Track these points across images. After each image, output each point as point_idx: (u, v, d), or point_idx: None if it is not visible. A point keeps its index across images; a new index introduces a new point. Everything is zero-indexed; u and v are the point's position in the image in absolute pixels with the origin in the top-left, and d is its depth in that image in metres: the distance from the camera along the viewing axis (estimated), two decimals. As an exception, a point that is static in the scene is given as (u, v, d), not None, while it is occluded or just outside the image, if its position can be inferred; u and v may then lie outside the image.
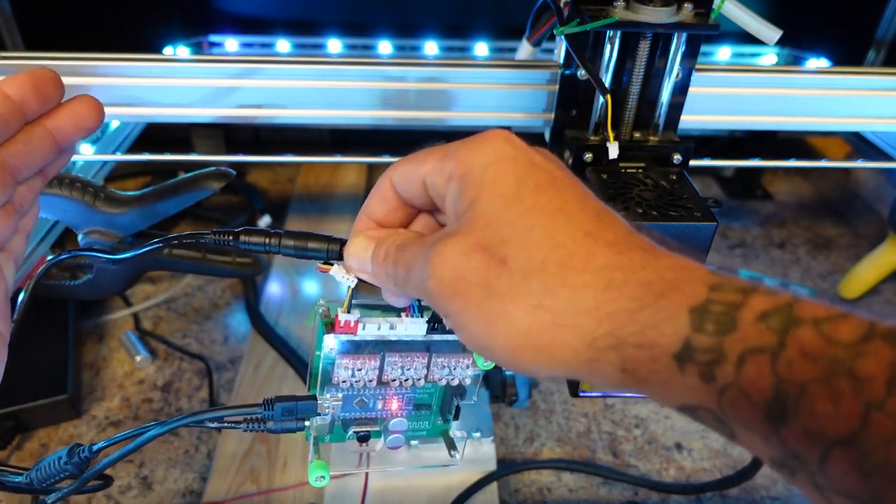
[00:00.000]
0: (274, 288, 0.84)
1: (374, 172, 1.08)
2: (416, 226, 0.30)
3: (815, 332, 0.20)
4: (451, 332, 0.31)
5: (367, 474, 0.35)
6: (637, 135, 0.57)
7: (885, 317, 0.20)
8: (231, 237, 0.31)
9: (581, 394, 0.53)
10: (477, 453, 0.63)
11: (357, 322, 0.30)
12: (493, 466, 0.62)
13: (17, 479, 0.33)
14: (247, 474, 0.61)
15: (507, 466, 0.64)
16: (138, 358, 0.73)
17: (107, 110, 0.69)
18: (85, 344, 0.76)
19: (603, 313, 0.22)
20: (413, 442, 0.36)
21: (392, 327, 0.31)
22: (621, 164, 0.53)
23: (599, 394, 0.62)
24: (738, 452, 0.67)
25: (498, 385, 0.68)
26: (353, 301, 0.30)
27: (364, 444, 0.34)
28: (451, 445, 0.36)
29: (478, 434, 0.64)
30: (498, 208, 0.24)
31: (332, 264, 0.30)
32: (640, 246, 0.24)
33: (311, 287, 0.85)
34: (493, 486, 0.61)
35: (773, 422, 0.20)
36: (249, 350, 0.75)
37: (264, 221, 0.94)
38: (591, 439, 0.68)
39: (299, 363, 0.72)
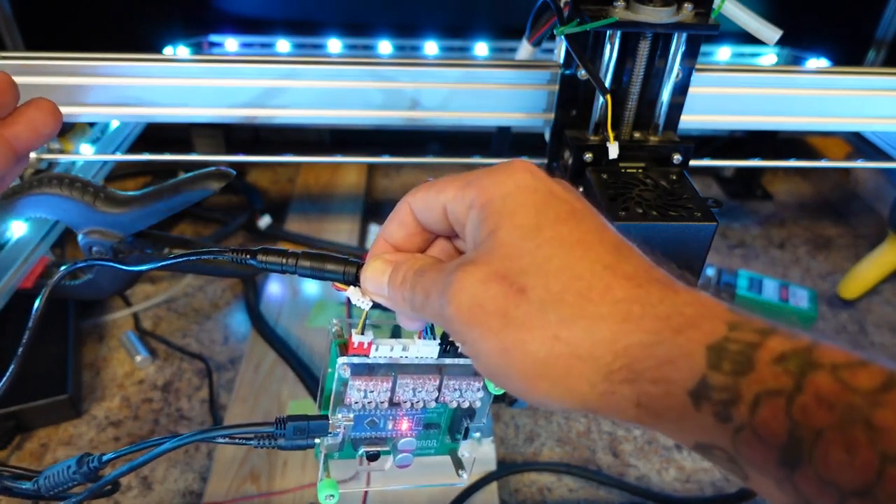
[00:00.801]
0: (274, 288, 0.84)
1: (374, 172, 1.08)
2: (433, 251, 0.30)
3: (832, 377, 0.19)
4: (462, 355, 0.31)
5: (368, 475, 0.35)
6: (637, 135, 0.57)
7: (885, 318, 0.20)
8: (248, 256, 0.31)
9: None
10: (477, 453, 0.62)
11: (370, 344, 0.30)
12: (493, 466, 0.62)
13: (25, 486, 0.33)
14: (247, 475, 0.61)
15: (506, 468, 0.64)
16: (138, 358, 0.73)
17: (107, 110, 0.69)
18: (85, 344, 0.76)
19: (620, 346, 0.22)
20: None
21: (405, 349, 0.31)
22: (621, 164, 0.53)
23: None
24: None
25: (498, 385, 0.68)
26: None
27: (371, 462, 0.34)
28: (458, 465, 0.36)
29: (477, 434, 0.64)
30: (517, 238, 0.24)
31: (348, 284, 0.31)
32: (660, 280, 0.24)
33: (311, 287, 0.85)
34: (493, 486, 0.61)
35: (787, 467, 0.19)
36: (249, 350, 0.75)
37: (264, 221, 0.94)
38: (591, 439, 0.68)
39: (299, 364, 0.72)
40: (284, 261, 0.31)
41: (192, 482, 0.62)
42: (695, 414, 0.21)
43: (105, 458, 0.32)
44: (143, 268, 0.35)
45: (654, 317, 0.22)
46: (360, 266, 0.30)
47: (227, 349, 0.76)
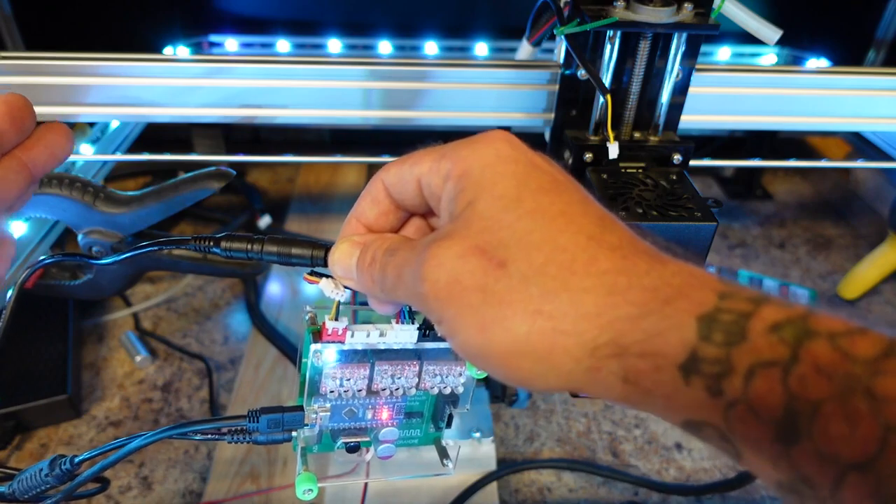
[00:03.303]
0: (274, 288, 0.84)
1: (373, 172, 1.08)
2: (407, 230, 0.29)
3: (830, 346, 0.18)
4: (442, 339, 0.30)
5: (368, 467, 0.35)
6: (637, 135, 0.57)
7: (886, 318, 0.19)
8: (212, 244, 0.30)
9: (581, 394, 0.53)
10: (477, 453, 0.63)
11: (345, 330, 0.29)
12: (493, 466, 0.62)
13: (0, 490, 0.32)
14: (247, 474, 0.61)
15: (507, 466, 0.64)
16: (138, 358, 0.73)
17: (107, 110, 0.69)
18: (85, 344, 0.76)
19: (605, 320, 0.21)
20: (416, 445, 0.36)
21: (382, 335, 0.30)
22: (621, 164, 0.53)
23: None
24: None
25: (498, 385, 0.68)
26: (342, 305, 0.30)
27: (359, 454, 0.33)
28: (443, 454, 0.35)
29: (478, 434, 0.64)
30: (497, 210, 0.23)
31: (320, 276, 0.30)
32: (646, 251, 0.23)
33: (311, 286, 0.84)
34: (493, 486, 0.61)
35: (784, 442, 0.19)
36: (249, 350, 0.75)
37: (264, 221, 0.94)
38: (591, 439, 0.68)
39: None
40: (249, 247, 0.30)
41: (192, 482, 0.62)
42: (685, 389, 0.20)
43: (77, 459, 0.31)
44: (107, 260, 0.34)
45: (641, 288, 0.21)
46: (328, 249, 0.29)
47: (227, 349, 0.76)
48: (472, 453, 0.62)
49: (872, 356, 0.18)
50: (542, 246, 0.22)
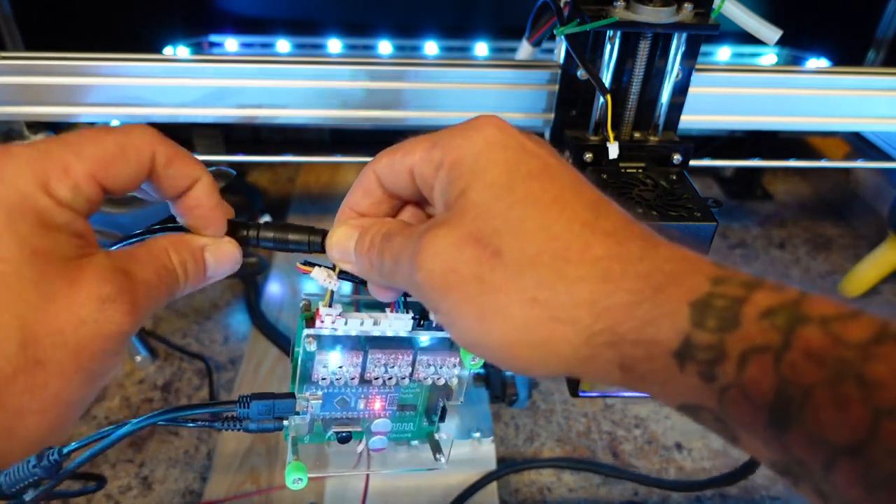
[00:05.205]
0: (274, 288, 0.84)
1: (374, 172, 1.08)
2: (402, 217, 0.29)
3: (822, 331, 0.18)
4: (437, 329, 0.30)
5: (367, 466, 0.35)
6: (637, 135, 0.57)
7: (886, 316, 0.19)
8: None
9: (581, 394, 0.53)
10: (477, 453, 0.63)
11: (339, 317, 0.29)
12: (493, 466, 0.62)
13: None
14: (247, 474, 0.61)
15: (507, 466, 0.64)
16: (138, 358, 0.73)
17: (107, 110, 0.69)
18: (85, 344, 0.76)
19: (600, 307, 0.21)
20: (414, 442, 0.35)
21: (375, 323, 0.29)
22: (621, 164, 0.53)
23: (599, 394, 0.61)
24: (739, 453, 0.67)
25: (498, 385, 0.68)
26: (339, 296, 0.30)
27: (358, 444, 0.33)
28: (436, 449, 0.35)
29: (478, 434, 0.64)
30: (489, 198, 0.23)
31: (313, 266, 0.29)
32: (640, 236, 0.23)
33: (311, 286, 0.84)
34: (493, 485, 0.61)
35: (776, 426, 0.19)
36: (250, 350, 0.75)
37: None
38: (591, 439, 0.68)
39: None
40: (245, 233, 0.29)
41: (192, 482, 0.62)
42: (679, 375, 0.20)
43: (66, 449, 0.31)
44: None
45: (635, 275, 0.21)
46: (325, 234, 0.29)
47: (227, 349, 0.76)
48: (472, 453, 0.62)
49: (864, 341, 0.18)
50: (535, 235, 0.22)
